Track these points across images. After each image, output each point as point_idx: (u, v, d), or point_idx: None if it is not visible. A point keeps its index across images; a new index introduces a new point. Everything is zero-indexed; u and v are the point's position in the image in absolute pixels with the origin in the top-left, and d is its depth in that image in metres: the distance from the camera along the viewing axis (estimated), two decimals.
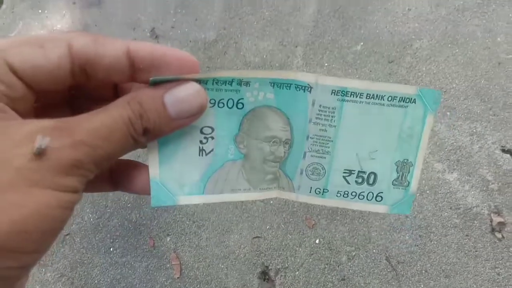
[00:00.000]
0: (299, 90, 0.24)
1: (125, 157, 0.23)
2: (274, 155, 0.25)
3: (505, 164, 0.71)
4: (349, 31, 0.90)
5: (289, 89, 0.24)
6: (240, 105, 0.24)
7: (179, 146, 0.24)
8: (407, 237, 0.70)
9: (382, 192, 0.26)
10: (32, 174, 0.16)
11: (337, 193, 0.26)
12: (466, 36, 0.84)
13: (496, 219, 0.67)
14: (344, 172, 0.26)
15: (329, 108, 0.24)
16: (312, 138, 0.25)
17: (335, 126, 0.25)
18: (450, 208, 0.69)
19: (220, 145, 0.25)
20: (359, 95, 0.24)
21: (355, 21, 0.91)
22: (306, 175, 0.26)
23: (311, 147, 0.25)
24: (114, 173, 0.24)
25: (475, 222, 0.67)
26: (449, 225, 0.68)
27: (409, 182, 0.25)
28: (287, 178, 0.26)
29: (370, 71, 0.84)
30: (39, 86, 0.19)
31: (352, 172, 0.26)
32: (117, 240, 0.85)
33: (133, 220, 0.85)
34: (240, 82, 0.24)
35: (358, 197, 0.26)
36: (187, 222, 0.81)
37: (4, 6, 1.12)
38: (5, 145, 0.17)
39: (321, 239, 0.74)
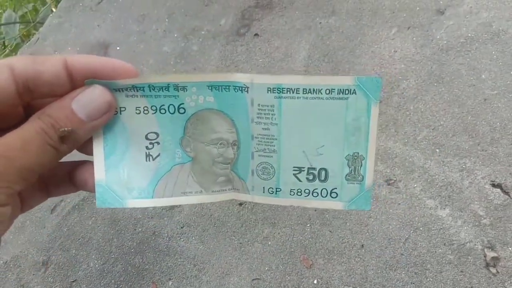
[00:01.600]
0: (237, 91, 0.24)
1: (83, 157, 0.26)
2: (223, 156, 0.26)
3: (495, 198, 0.72)
4: (339, 74, 0.94)
5: (228, 91, 0.24)
6: (181, 110, 0.25)
7: (126, 152, 0.24)
8: (403, 274, 0.70)
9: (336, 188, 0.25)
10: None
11: (290, 191, 0.26)
12: (451, 75, 0.87)
13: (490, 254, 0.67)
14: (294, 170, 0.25)
15: (267, 106, 0.24)
16: (257, 138, 0.25)
17: (277, 124, 0.24)
18: (444, 244, 0.70)
19: (166, 150, 0.25)
20: (295, 90, 0.24)
21: (344, 65, 0.95)
22: (257, 175, 0.25)
23: (257, 146, 0.25)
24: (72, 174, 0.26)
25: (469, 257, 0.68)
26: (443, 262, 0.69)
27: (363, 176, 0.25)
28: (240, 180, 0.26)
29: None
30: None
31: (302, 169, 0.25)
32: (121, 286, 0.86)
33: (136, 265, 0.87)
34: (176, 87, 0.24)
35: (312, 195, 0.25)
36: (188, 266, 0.83)
37: None
38: None
39: (319, 279, 0.75)
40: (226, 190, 0.26)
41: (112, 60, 0.23)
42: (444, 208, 0.73)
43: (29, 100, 0.22)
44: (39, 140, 0.21)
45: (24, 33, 1.94)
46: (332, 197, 0.25)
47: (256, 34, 1.06)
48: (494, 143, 0.77)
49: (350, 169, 0.25)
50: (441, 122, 0.82)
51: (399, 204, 0.75)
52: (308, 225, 0.78)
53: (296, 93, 0.24)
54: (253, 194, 0.26)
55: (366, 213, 0.75)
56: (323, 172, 0.25)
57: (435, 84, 0.87)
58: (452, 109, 0.83)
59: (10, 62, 0.21)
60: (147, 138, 0.25)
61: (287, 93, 0.24)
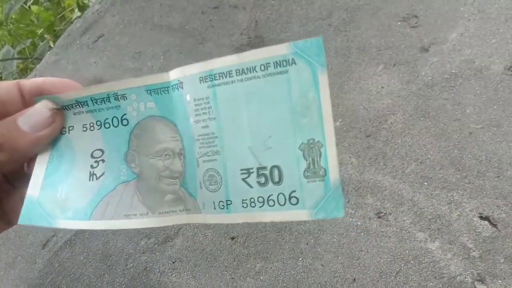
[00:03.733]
0: (174, 90, 0.21)
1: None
2: (169, 169, 0.23)
3: (484, 231, 0.73)
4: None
5: (167, 92, 0.22)
6: (125, 122, 0.23)
7: (70, 172, 0.23)
8: None
9: (294, 191, 0.20)
10: None
11: (242, 203, 0.21)
12: (437, 110, 0.90)
13: (480, 287, 0.68)
14: (241, 173, 0.20)
15: (202, 99, 0.21)
16: (198, 140, 0.21)
17: (215, 118, 0.21)
18: (435, 278, 0.70)
19: (111, 167, 0.23)
20: (227, 74, 0.20)
21: (333, 100, 0.98)
22: (205, 187, 0.21)
23: (200, 150, 0.21)
24: (7, 212, 0.26)
25: None
26: None
27: (325, 170, 0.19)
28: (191, 197, 0.22)
29: (349, 145, 0.90)
30: None
31: (251, 170, 0.20)
32: None
33: None
34: (116, 97, 0.22)
35: (268, 204, 0.20)
36: None
37: None
38: None
39: None
40: (176, 211, 0.23)
41: (59, 78, 0.24)
42: (434, 241, 0.74)
43: None
44: None
45: (22, 68, 1.98)
46: (292, 204, 0.20)
47: None
48: (480, 176, 0.79)
49: (308, 162, 0.20)
50: (428, 156, 0.84)
51: (390, 237, 0.75)
52: (300, 259, 0.78)
53: (230, 76, 0.21)
54: (204, 213, 0.22)
55: (357, 246, 0.76)
56: (275, 171, 0.20)
57: (422, 118, 0.89)
58: (438, 143, 0.85)
59: None
60: (92, 156, 0.23)
61: (219, 79, 0.21)
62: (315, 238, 0.79)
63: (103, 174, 0.24)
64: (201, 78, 0.21)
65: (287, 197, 0.20)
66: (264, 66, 0.20)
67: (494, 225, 0.73)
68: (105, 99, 0.23)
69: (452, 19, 1.05)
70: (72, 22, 2.04)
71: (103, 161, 0.24)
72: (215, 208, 0.21)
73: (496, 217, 0.74)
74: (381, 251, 0.74)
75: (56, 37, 2.09)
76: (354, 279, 0.73)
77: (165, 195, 0.23)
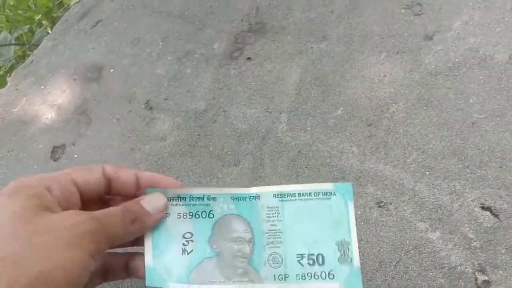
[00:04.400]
0: (252, 199, 0.32)
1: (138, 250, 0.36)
2: (242, 252, 0.32)
3: (485, 221, 0.72)
4: (330, 97, 0.95)
5: (245, 200, 0.32)
6: (211, 215, 0.33)
7: (168, 247, 0.31)
8: None
9: (332, 270, 0.31)
10: (65, 237, 0.25)
11: (296, 276, 0.31)
12: (439, 99, 0.89)
13: (481, 277, 0.67)
14: (297, 257, 0.32)
15: (274, 208, 0.32)
16: (267, 233, 0.32)
17: (281, 221, 0.32)
18: (435, 268, 0.70)
19: (198, 246, 0.32)
20: (292, 195, 0.32)
21: (334, 88, 0.97)
22: (269, 265, 0.32)
23: (268, 240, 0.32)
24: (127, 262, 0.34)
25: (460, 281, 0.68)
26: (435, 286, 0.68)
27: (351, 258, 0.31)
28: (255, 271, 0.32)
29: (351, 134, 0.88)
30: (87, 193, 0.30)
31: (303, 255, 0.32)
32: None
33: None
34: (209, 198, 0.32)
35: (314, 277, 0.31)
36: None
37: (8, 83, 1.20)
38: (54, 222, 0.26)
39: None
40: (244, 281, 0.32)
41: (167, 178, 0.34)
42: (435, 231, 0.73)
43: (108, 192, 0.32)
44: (121, 216, 0.30)
45: (19, 54, 1.96)
46: (330, 278, 0.31)
47: (248, 58, 1.08)
48: (482, 166, 0.78)
49: (341, 252, 0.32)
50: (430, 145, 0.83)
51: (390, 226, 0.75)
52: None
53: (293, 197, 0.32)
54: (266, 283, 0.32)
55: (357, 235, 0.75)
56: (320, 257, 0.32)
57: (424, 108, 0.88)
58: (441, 132, 0.84)
59: (102, 166, 0.32)
60: (183, 237, 0.32)
61: (287, 197, 0.32)
62: None
63: (192, 251, 0.32)
64: (274, 195, 0.32)
65: (327, 274, 0.31)
66: (316, 193, 0.32)
67: (496, 216, 0.72)
68: (200, 198, 0.33)
69: (456, 7, 1.03)
70: (69, 8, 2.01)
71: (192, 241, 0.32)
72: (275, 280, 0.32)
73: (498, 207, 0.73)
74: (381, 240, 0.73)
75: (54, 23, 2.07)
76: None
77: (237, 269, 0.32)
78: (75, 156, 1.01)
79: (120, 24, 1.24)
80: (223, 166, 0.91)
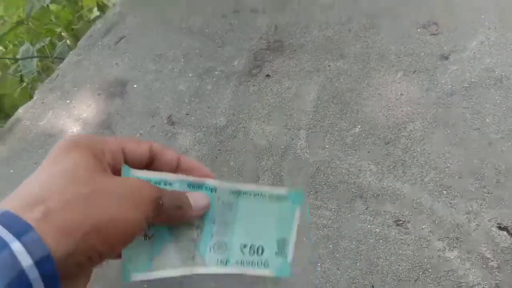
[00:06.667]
0: (208, 191, 0.34)
1: None
2: (193, 237, 0.34)
3: (502, 241, 0.74)
4: (347, 115, 0.98)
5: (201, 189, 0.34)
6: None
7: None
8: None
9: (268, 261, 0.35)
10: (131, 196, 0.26)
11: (236, 262, 0.34)
12: (456, 118, 0.90)
13: None
14: (241, 245, 0.35)
15: (228, 202, 0.34)
16: (217, 223, 0.34)
17: (233, 215, 0.35)
18: (453, 287, 0.71)
19: (158, 231, 0.33)
20: (248, 194, 0.34)
21: (352, 106, 0.99)
22: (213, 251, 0.34)
23: (217, 229, 0.34)
24: None
25: None
26: None
27: (286, 254, 0.35)
28: (201, 256, 0.34)
29: (368, 151, 0.91)
30: (130, 163, 0.32)
31: (246, 245, 0.35)
32: None
33: None
34: (166, 183, 0.33)
35: (251, 264, 0.35)
36: None
37: (35, 97, 1.24)
38: (122, 181, 0.28)
39: None
40: (191, 264, 0.34)
41: (203, 166, 0.36)
42: (452, 250, 0.75)
43: (150, 166, 0.34)
44: (171, 198, 0.31)
45: (42, 66, 2.01)
46: (265, 267, 0.35)
47: (267, 75, 1.11)
48: (499, 186, 0.80)
49: (280, 248, 0.35)
50: (448, 164, 0.85)
51: (408, 245, 0.76)
52: (319, 264, 0.79)
53: (249, 195, 0.35)
54: (207, 266, 0.34)
55: (375, 253, 0.77)
56: (260, 248, 0.35)
57: (441, 127, 0.90)
58: (458, 151, 0.86)
59: (151, 142, 0.34)
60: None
61: (243, 195, 0.34)
62: (334, 244, 0.80)
63: (153, 235, 0.33)
64: (231, 191, 0.34)
65: (262, 263, 0.35)
66: (271, 196, 0.35)
67: None
68: (157, 182, 0.33)
69: (472, 27, 1.05)
70: (90, 21, 2.07)
71: (152, 225, 0.32)
72: (217, 264, 0.34)
73: None
74: (400, 258, 0.75)
75: (74, 36, 2.13)
76: (373, 286, 0.74)
77: (190, 253, 0.34)
78: None
79: (143, 40, 1.28)
80: (243, 181, 0.93)
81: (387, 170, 0.87)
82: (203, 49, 1.21)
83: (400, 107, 0.95)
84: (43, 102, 1.23)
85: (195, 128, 1.07)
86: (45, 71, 2.04)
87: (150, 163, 0.34)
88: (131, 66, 1.22)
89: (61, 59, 1.67)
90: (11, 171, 1.11)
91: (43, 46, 2.07)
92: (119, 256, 0.30)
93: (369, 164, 0.89)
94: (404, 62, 1.03)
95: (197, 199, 0.33)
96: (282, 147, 0.97)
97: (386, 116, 0.95)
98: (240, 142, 1.01)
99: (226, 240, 0.35)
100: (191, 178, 0.34)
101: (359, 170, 0.89)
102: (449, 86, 0.96)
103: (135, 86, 1.18)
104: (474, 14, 1.06)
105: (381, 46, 1.07)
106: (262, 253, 0.35)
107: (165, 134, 1.07)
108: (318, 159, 0.93)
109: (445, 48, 1.02)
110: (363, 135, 0.94)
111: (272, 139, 0.99)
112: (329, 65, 1.08)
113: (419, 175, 0.85)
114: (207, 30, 1.26)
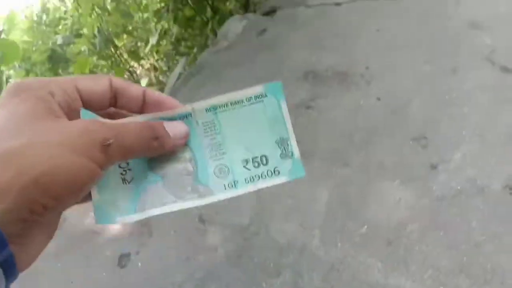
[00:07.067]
0: (184, 119, 0.32)
1: None
2: (186, 170, 0.32)
3: None
4: (355, 216, 1.15)
5: (175, 119, 0.32)
6: None
7: (109, 178, 0.30)
8: None
9: (277, 167, 0.32)
10: (74, 141, 0.24)
11: (245, 180, 0.32)
12: (447, 222, 1.07)
13: None
14: (242, 163, 0.32)
15: (209, 122, 0.32)
16: (208, 148, 0.32)
17: (219, 133, 0.32)
18: None
19: (138, 174, 0.31)
20: (225, 105, 0.32)
21: (358, 209, 1.17)
22: (216, 176, 0.32)
23: (210, 153, 0.32)
24: None
25: None
26: None
27: (291, 152, 0.32)
28: (203, 186, 0.32)
29: (375, 250, 1.06)
30: (90, 103, 0.29)
31: (248, 160, 0.32)
32: None
33: None
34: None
35: (262, 177, 0.32)
36: None
37: None
38: (64, 126, 0.25)
39: None
40: (194, 197, 0.31)
41: (170, 98, 0.33)
42: None
43: (113, 105, 0.31)
44: (142, 130, 0.28)
45: None
46: (276, 175, 0.32)
47: None
48: (486, 283, 0.94)
49: (281, 149, 0.32)
50: (442, 263, 1.00)
51: None
52: None
53: (226, 107, 0.32)
54: (216, 194, 0.32)
55: None
56: (264, 158, 0.32)
57: (435, 229, 1.07)
58: (450, 252, 1.02)
59: (110, 77, 0.31)
60: (120, 167, 0.31)
61: (220, 109, 0.32)
62: None
63: (132, 179, 0.31)
64: (207, 109, 0.32)
65: (273, 171, 0.32)
66: (248, 99, 0.32)
67: None
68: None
69: (456, 140, 1.26)
70: None
71: (129, 169, 0.31)
72: (225, 189, 0.32)
73: None
74: None
75: None
76: None
77: (186, 187, 0.32)
78: (139, 264, 1.20)
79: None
80: (266, 276, 1.08)
81: (391, 267, 1.02)
82: None
83: (399, 211, 1.13)
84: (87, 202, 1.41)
85: (223, 226, 1.23)
86: None
87: (113, 103, 0.31)
88: None
89: None
90: (59, 265, 1.26)
91: None
92: (76, 203, 0.28)
93: (376, 261, 1.04)
94: (400, 171, 1.22)
95: (174, 126, 0.31)
96: (299, 245, 1.13)
97: (387, 219, 1.12)
98: (262, 240, 1.17)
99: (225, 162, 0.32)
100: (161, 114, 0.31)
101: (368, 267, 1.04)
102: (440, 193, 1.14)
103: None
104: (457, 130, 1.28)
105: (380, 156, 1.28)
106: (267, 162, 0.32)
107: (196, 231, 1.24)
108: (332, 257, 1.08)
109: (434, 159, 1.23)
110: (370, 235, 1.10)
111: (290, 237, 1.15)
112: (337, 172, 1.28)
113: (419, 272, 1.00)
114: None
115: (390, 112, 1.41)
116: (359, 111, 1.46)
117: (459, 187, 1.14)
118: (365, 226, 1.12)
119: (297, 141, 0.31)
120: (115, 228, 1.30)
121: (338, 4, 1.94)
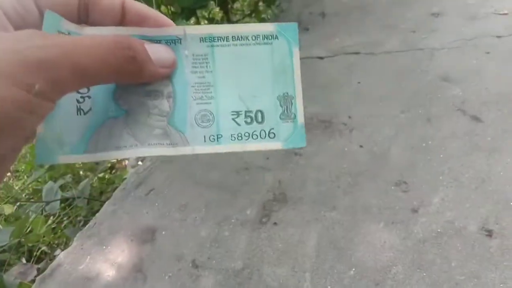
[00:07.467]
0: (171, 44, 0.25)
1: None
2: (158, 108, 0.26)
3: None
4: (343, 259, 1.21)
5: (160, 43, 0.25)
6: None
7: (59, 106, 0.23)
8: None
9: (273, 128, 0.27)
10: (4, 65, 0.17)
11: (231, 137, 0.26)
12: (429, 263, 1.14)
13: None
14: (232, 114, 0.26)
15: (201, 55, 0.26)
16: (193, 87, 0.26)
17: (211, 71, 0.26)
18: None
19: (98, 103, 0.25)
20: (225, 38, 0.26)
21: (346, 251, 1.23)
22: (197, 124, 0.26)
23: (195, 95, 0.26)
24: None
25: None
26: None
27: (295, 114, 0.27)
28: (178, 133, 0.26)
29: None
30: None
31: (240, 113, 0.26)
32: None
33: None
34: None
35: (252, 137, 0.26)
36: None
37: (74, 243, 1.45)
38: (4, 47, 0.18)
39: None
40: (163, 144, 0.26)
41: (160, 16, 0.26)
42: None
43: (83, 20, 0.25)
44: (108, 44, 0.21)
45: (65, 207, 2.23)
46: (270, 138, 0.27)
47: (275, 223, 1.36)
48: None
49: (283, 108, 0.27)
50: None
51: None
52: None
53: (226, 41, 0.26)
54: (193, 146, 0.26)
55: None
56: (259, 114, 0.27)
57: (418, 270, 1.13)
58: None
59: None
60: (78, 92, 0.25)
61: (218, 41, 0.26)
62: None
63: (90, 109, 0.25)
64: (201, 39, 0.26)
65: (267, 133, 0.27)
66: (255, 37, 0.26)
67: None
68: None
69: (434, 185, 1.35)
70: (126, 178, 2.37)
71: (89, 97, 0.25)
72: (205, 141, 0.26)
73: None
74: None
75: (94, 172, 2.39)
76: None
77: (154, 130, 0.26)
78: None
79: (170, 192, 1.55)
80: None
81: None
82: (220, 199, 1.48)
83: (384, 252, 1.19)
84: (82, 248, 1.43)
85: (216, 270, 1.27)
86: (66, 209, 2.26)
87: (83, 18, 0.25)
88: (160, 215, 1.47)
89: (84, 198, 1.91)
90: None
91: (67, 182, 2.30)
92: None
93: None
94: (384, 214, 1.30)
95: (158, 50, 0.24)
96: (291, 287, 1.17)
97: (374, 261, 1.18)
98: (255, 284, 1.21)
99: (211, 108, 0.26)
100: (142, 30, 0.25)
101: None
102: (421, 235, 1.21)
103: (163, 232, 1.41)
104: (434, 175, 1.38)
105: (365, 200, 1.36)
106: (262, 119, 0.27)
107: (190, 277, 1.27)
108: None
109: (414, 203, 1.31)
110: (357, 277, 1.15)
111: (282, 281, 1.20)
112: (325, 215, 1.35)
113: None
114: (223, 183, 1.55)
115: (372, 158, 1.51)
116: (344, 157, 1.55)
117: (439, 229, 1.22)
118: (353, 269, 1.18)
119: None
120: (109, 274, 1.32)
121: (320, 58, 2.09)
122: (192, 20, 2.33)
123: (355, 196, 1.39)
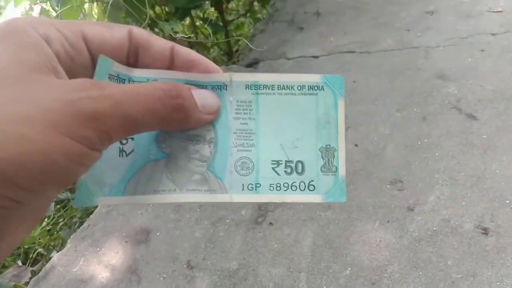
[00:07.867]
0: (216, 89, 0.25)
1: None
2: (199, 153, 0.25)
3: None
4: (339, 258, 1.20)
5: (207, 89, 0.25)
6: None
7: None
8: None
9: (313, 181, 0.26)
10: (52, 115, 0.17)
11: (270, 186, 0.26)
12: (424, 261, 1.13)
13: None
14: (272, 163, 0.26)
15: (245, 102, 0.26)
16: (235, 133, 0.26)
17: (254, 119, 0.26)
18: None
19: (140, 146, 0.25)
20: (270, 87, 0.26)
21: (342, 250, 1.22)
22: (236, 172, 0.26)
23: (236, 141, 0.26)
24: None
25: None
26: None
27: (336, 167, 0.26)
28: (217, 179, 0.26)
29: None
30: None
31: (280, 162, 0.26)
32: None
33: None
34: None
35: (291, 188, 0.26)
36: None
37: (68, 245, 1.44)
38: (42, 89, 0.18)
39: None
40: (201, 190, 0.26)
41: (207, 62, 0.26)
42: None
43: (133, 64, 0.25)
44: (155, 94, 0.21)
45: (60, 210, 2.21)
46: (310, 190, 0.26)
47: (270, 223, 1.35)
48: None
49: (324, 160, 0.26)
50: None
51: None
52: None
53: (272, 89, 0.26)
54: (231, 193, 0.26)
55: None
56: (300, 165, 0.26)
57: (414, 269, 1.12)
58: None
59: (130, 26, 0.24)
60: None
61: (263, 89, 0.26)
62: None
63: (132, 151, 0.25)
64: (247, 86, 0.26)
65: (306, 184, 0.26)
66: (301, 87, 0.26)
67: None
68: None
69: (429, 184, 1.35)
70: None
71: (132, 139, 0.25)
72: (243, 189, 0.26)
73: None
74: None
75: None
76: None
77: (193, 175, 0.26)
78: None
79: None
80: None
81: None
82: None
83: (380, 251, 1.19)
84: (75, 250, 1.42)
85: (211, 271, 1.26)
86: (60, 210, 2.24)
87: (133, 61, 0.25)
88: (154, 216, 1.46)
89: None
90: None
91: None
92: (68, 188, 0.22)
93: None
94: (379, 213, 1.29)
95: (204, 96, 0.24)
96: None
97: (370, 260, 1.17)
98: (251, 285, 1.20)
99: (251, 155, 0.26)
100: (189, 75, 0.25)
101: None
102: (417, 234, 1.21)
103: (158, 233, 1.40)
104: (429, 173, 1.38)
105: (360, 199, 1.35)
106: (302, 171, 0.26)
107: (185, 278, 1.26)
108: None
109: (410, 201, 1.30)
110: (353, 276, 1.15)
111: (278, 281, 1.19)
112: (320, 215, 1.34)
113: None
114: None
115: (368, 157, 1.51)
116: None
117: (435, 228, 1.21)
118: (349, 268, 1.17)
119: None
120: (103, 276, 1.31)
121: (315, 57, 2.08)
122: (187, 20, 2.32)
123: (350, 195, 1.38)
